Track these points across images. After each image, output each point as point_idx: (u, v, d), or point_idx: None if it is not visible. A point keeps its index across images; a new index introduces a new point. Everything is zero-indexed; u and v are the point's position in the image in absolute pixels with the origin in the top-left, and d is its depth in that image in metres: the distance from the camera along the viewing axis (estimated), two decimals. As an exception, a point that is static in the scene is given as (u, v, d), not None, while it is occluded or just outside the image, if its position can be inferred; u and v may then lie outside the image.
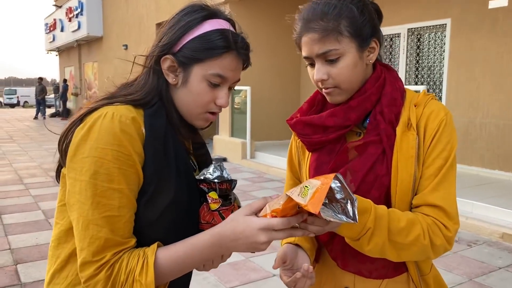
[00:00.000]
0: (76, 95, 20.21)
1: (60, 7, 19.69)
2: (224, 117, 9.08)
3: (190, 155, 1.07)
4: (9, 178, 7.12)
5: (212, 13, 0.99)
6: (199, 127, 1.05)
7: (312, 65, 1.07)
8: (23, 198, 5.80)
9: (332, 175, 0.79)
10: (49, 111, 22.41)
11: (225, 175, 1.01)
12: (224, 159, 8.61)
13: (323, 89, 1.09)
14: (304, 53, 1.07)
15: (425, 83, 7.24)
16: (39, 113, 20.26)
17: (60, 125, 17.26)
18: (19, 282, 3.32)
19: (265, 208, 0.85)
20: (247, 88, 8.22)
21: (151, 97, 0.97)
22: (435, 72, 7.10)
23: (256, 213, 0.87)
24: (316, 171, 1.13)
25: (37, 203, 5.60)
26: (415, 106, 1.08)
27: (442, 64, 6.97)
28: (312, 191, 0.76)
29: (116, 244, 0.87)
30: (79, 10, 16.51)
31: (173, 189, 0.93)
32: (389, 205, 1.03)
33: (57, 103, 22.16)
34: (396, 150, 1.04)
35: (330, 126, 1.09)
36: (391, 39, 7.80)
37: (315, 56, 1.05)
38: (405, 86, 1.15)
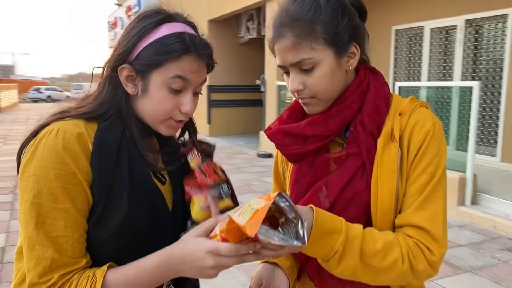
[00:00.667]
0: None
1: (120, 5, 20.53)
2: (271, 111, 9.04)
3: (155, 167, 1.01)
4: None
5: (168, 17, 0.95)
6: (166, 135, 1.00)
7: (288, 73, 0.99)
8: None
9: (273, 194, 0.73)
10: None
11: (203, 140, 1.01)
12: (270, 155, 8.59)
13: (300, 100, 1.01)
14: (277, 62, 0.99)
15: (483, 78, 6.78)
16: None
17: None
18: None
19: (215, 229, 0.80)
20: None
21: (106, 109, 0.94)
22: (494, 67, 6.62)
23: (208, 233, 0.82)
24: (295, 184, 1.06)
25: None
26: (400, 115, 0.97)
27: (502, 59, 6.48)
28: (253, 211, 0.70)
29: (63, 265, 0.85)
30: (137, 8, 17.10)
31: (126, 205, 0.89)
32: (370, 224, 0.95)
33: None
34: (376, 164, 0.94)
35: (309, 136, 1.01)
36: (447, 32, 7.36)
37: (288, 65, 0.96)
38: (392, 92, 1.04)
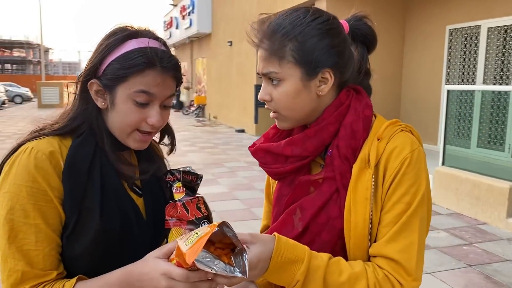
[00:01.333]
0: (187, 89, 21.59)
1: (175, 5, 21.11)
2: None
3: (130, 180, 1.03)
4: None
5: (134, 33, 0.97)
6: (135, 148, 1.02)
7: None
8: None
9: (217, 223, 0.72)
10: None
11: (191, 170, 0.99)
12: (242, 131, 8.42)
13: (271, 113, 1.01)
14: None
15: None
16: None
17: (173, 117, 18.50)
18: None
19: (173, 252, 0.80)
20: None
21: (78, 124, 0.98)
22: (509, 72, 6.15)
23: (168, 256, 0.83)
24: (276, 203, 1.06)
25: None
26: (378, 139, 0.94)
27: None
28: (197, 238, 0.70)
29: (34, 276, 0.88)
30: (191, 8, 17.51)
31: (98, 219, 0.92)
32: (344, 251, 0.93)
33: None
34: (350, 191, 0.92)
35: (288, 156, 1.00)
36: (505, 31, 6.92)
37: (260, 74, 0.98)
38: (376, 114, 1.00)
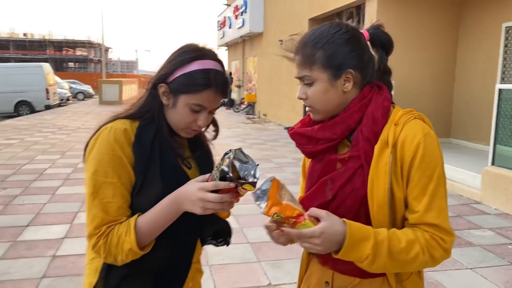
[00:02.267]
0: (238, 87, 22.06)
1: (229, 5, 21.61)
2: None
3: (182, 157, 1.33)
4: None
5: (201, 55, 1.24)
6: (185, 136, 1.33)
7: None
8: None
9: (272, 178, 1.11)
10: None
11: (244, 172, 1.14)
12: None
13: (306, 107, 1.25)
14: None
15: None
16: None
17: (223, 114, 19.08)
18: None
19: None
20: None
21: (145, 112, 1.28)
22: None
23: (202, 181, 1.16)
24: (309, 176, 1.29)
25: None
26: (395, 125, 1.14)
27: None
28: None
29: (109, 221, 1.19)
30: (244, 8, 17.90)
31: (160, 183, 1.21)
32: (366, 215, 1.14)
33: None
34: (372, 166, 1.12)
35: (320, 138, 1.22)
36: None
37: (297, 78, 1.23)
38: (395, 105, 1.22)
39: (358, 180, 1.14)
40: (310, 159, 1.31)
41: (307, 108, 1.25)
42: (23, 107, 19.13)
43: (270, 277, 3.49)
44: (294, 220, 1.06)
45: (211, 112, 1.29)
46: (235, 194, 1.13)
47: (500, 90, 5.50)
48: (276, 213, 1.06)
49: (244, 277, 3.50)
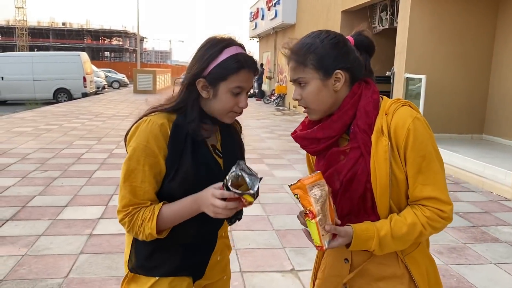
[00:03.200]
0: (269, 78, 22.12)
1: (262, -3, 21.63)
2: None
3: (214, 146, 1.47)
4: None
5: (227, 44, 1.36)
6: (229, 122, 1.44)
7: None
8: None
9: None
10: (248, 91, 24.91)
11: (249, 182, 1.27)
12: None
13: (303, 109, 1.37)
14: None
15: None
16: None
17: (253, 105, 19.21)
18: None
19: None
20: (423, 77, 7.90)
21: (181, 106, 1.40)
22: None
23: (218, 187, 1.28)
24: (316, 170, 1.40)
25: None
26: (386, 114, 1.28)
27: None
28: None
29: (136, 203, 1.33)
30: (276, 0, 17.89)
31: (192, 173, 1.35)
32: (371, 196, 1.27)
33: (255, 84, 24.58)
34: (373, 154, 1.26)
35: (321, 138, 1.35)
36: None
37: (292, 81, 1.35)
38: (383, 96, 1.35)
39: (359, 167, 1.28)
40: (313, 156, 1.45)
41: (303, 110, 1.38)
42: (61, 94, 19.80)
43: (293, 262, 3.60)
44: (305, 212, 1.21)
45: (247, 92, 1.41)
46: (240, 202, 1.26)
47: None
48: (296, 194, 1.21)
49: (269, 261, 3.63)
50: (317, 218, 1.18)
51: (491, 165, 6.29)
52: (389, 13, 10.60)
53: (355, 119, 1.31)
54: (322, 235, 1.20)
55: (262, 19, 21.33)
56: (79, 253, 3.66)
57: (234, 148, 1.55)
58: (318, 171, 1.26)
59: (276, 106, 19.01)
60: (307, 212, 1.19)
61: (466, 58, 8.82)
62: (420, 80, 8.03)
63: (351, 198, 1.29)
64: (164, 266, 1.43)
